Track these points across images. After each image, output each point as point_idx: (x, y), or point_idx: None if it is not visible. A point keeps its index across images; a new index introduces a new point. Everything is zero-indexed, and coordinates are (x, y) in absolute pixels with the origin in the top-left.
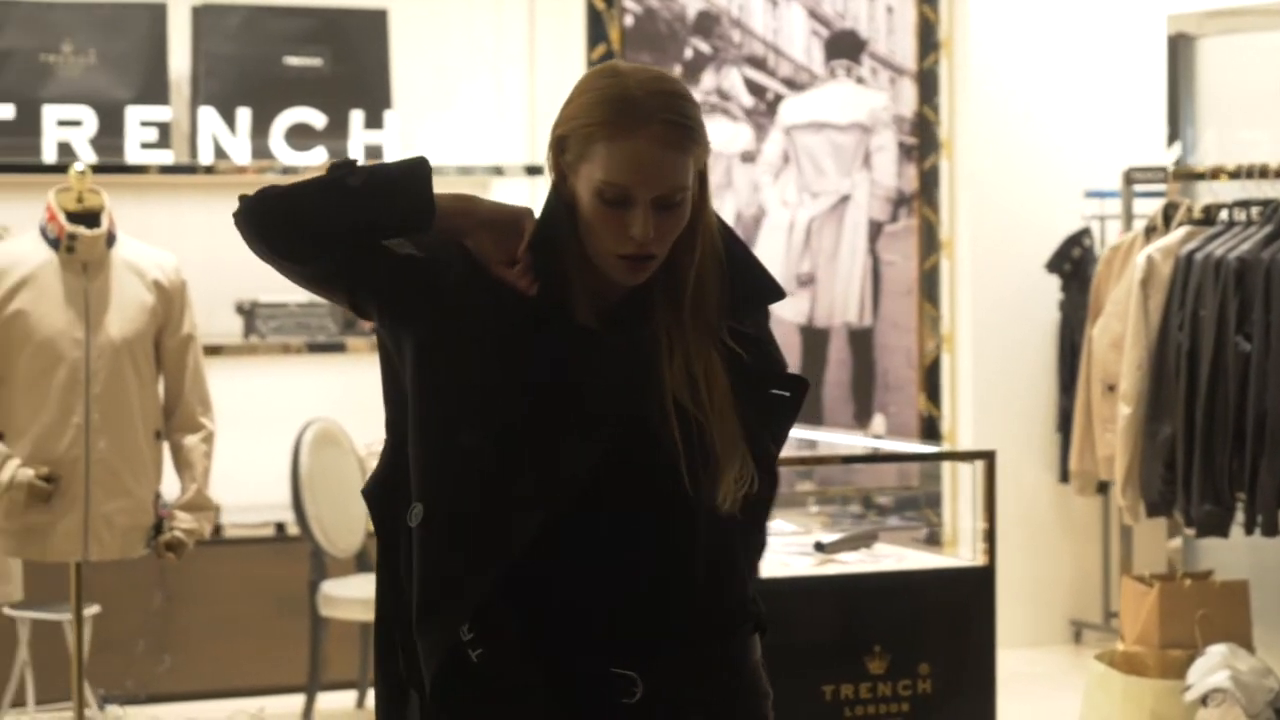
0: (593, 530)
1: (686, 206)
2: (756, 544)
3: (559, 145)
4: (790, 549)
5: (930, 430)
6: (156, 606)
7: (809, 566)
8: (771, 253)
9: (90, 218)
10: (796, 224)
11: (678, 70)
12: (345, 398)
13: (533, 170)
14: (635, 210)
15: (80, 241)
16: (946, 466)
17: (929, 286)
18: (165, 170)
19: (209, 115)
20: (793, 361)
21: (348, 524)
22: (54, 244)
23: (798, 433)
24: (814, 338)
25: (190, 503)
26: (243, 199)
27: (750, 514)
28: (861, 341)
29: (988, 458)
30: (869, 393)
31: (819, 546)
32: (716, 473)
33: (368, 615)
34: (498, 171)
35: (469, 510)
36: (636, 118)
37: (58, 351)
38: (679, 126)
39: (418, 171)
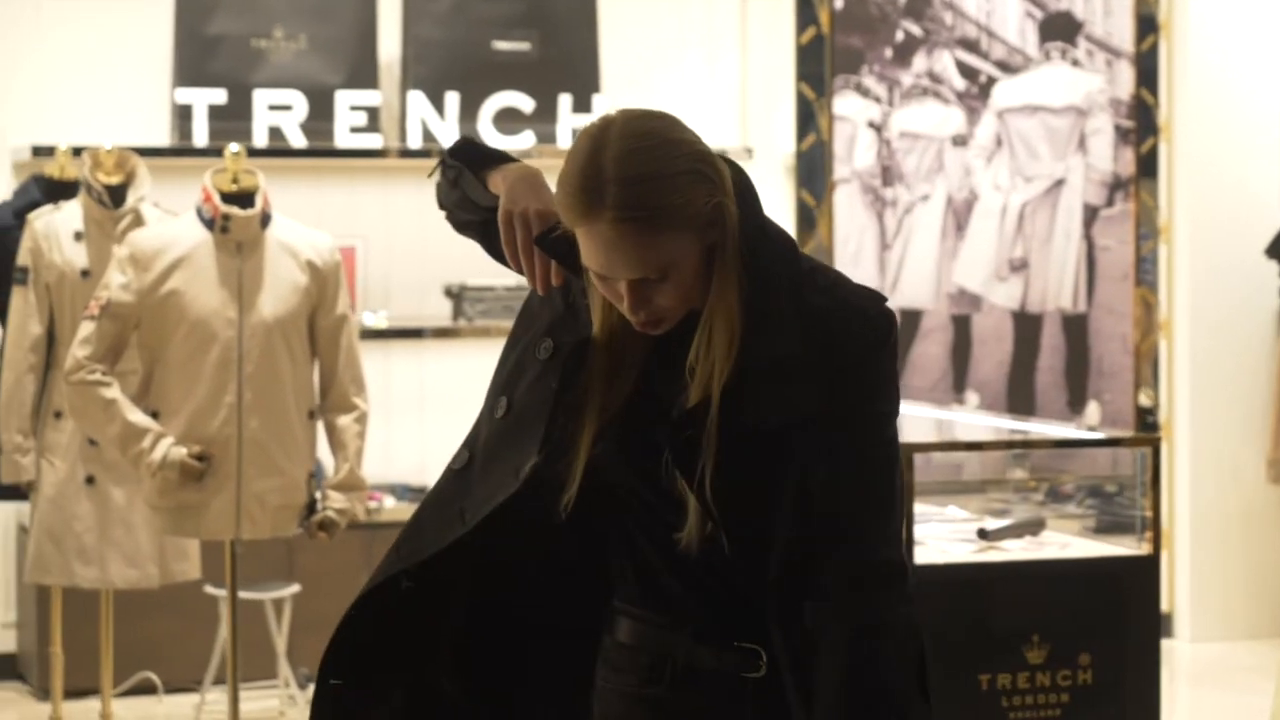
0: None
1: (682, 271)
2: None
3: None
4: (954, 535)
5: (1146, 419)
6: (361, 586)
7: (969, 553)
8: (983, 238)
9: (245, 199)
10: (1009, 208)
11: (888, 54)
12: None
13: (741, 154)
14: (621, 286)
15: (234, 222)
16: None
17: (1146, 272)
18: (374, 154)
19: (418, 99)
20: (1003, 349)
21: None
22: (209, 224)
23: (996, 421)
24: (1026, 324)
25: (343, 483)
26: None
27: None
28: (1075, 328)
29: (1153, 445)
30: (1083, 380)
31: (982, 533)
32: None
33: None
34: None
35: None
36: (588, 209)
37: (211, 331)
38: (634, 219)
39: (480, 157)
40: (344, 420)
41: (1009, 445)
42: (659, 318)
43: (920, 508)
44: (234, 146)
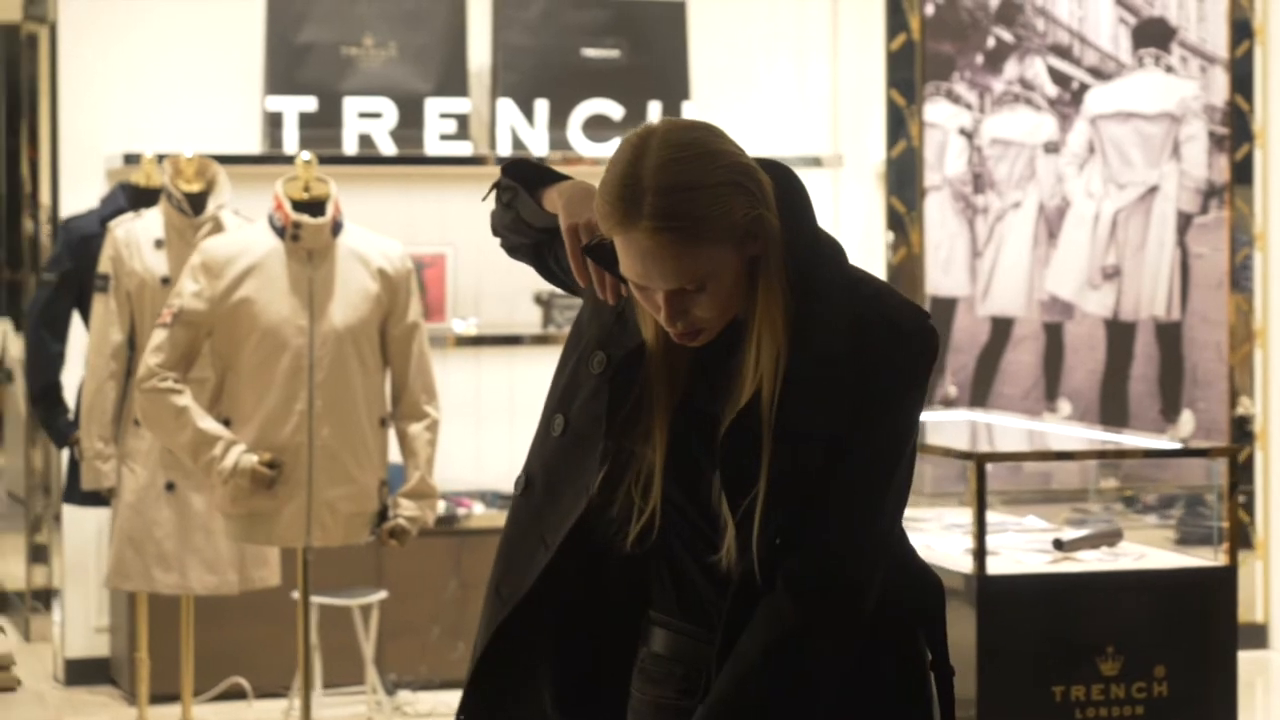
0: None
1: (720, 283)
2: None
3: None
4: (1031, 546)
5: (1241, 429)
6: (450, 593)
7: (1042, 564)
8: (1075, 245)
9: (317, 207)
10: (1102, 216)
11: (979, 60)
12: None
13: (832, 162)
14: (659, 297)
15: (305, 230)
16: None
17: (1241, 279)
18: (463, 161)
19: (507, 107)
20: (1096, 358)
21: None
22: (280, 232)
23: (1078, 430)
24: (1120, 332)
25: (414, 490)
26: None
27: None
28: (1169, 336)
29: (1230, 455)
30: (1177, 389)
31: (1058, 544)
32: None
33: None
34: (800, 162)
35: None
36: (625, 217)
37: (281, 339)
38: (670, 229)
39: (536, 176)
40: (415, 428)
41: (1084, 455)
42: (697, 329)
43: (999, 517)
44: (305, 155)
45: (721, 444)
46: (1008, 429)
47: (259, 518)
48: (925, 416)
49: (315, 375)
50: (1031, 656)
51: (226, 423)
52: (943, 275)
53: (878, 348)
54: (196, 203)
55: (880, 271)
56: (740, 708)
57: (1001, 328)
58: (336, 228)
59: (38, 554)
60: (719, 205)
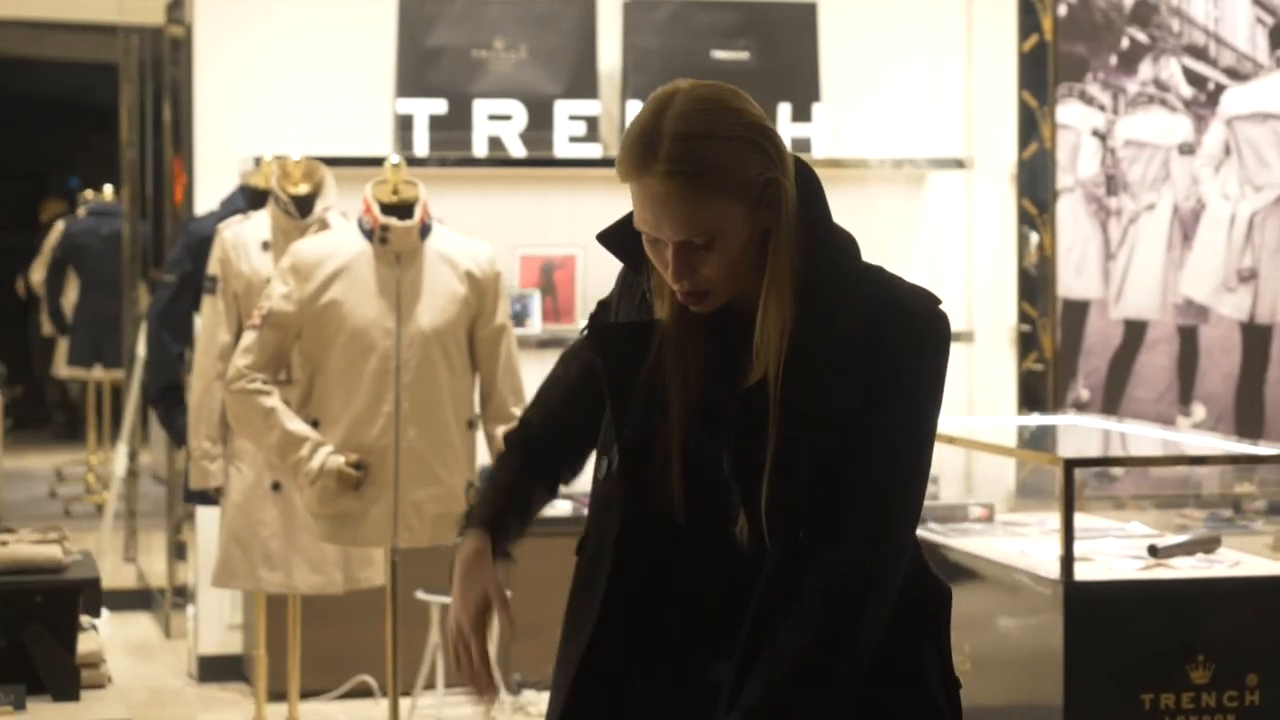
0: None
1: (729, 242)
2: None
3: None
4: (1127, 552)
5: None
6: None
7: (1134, 570)
8: (1211, 248)
9: (405, 210)
10: (1238, 218)
11: (1112, 61)
12: None
13: (964, 164)
14: (669, 253)
15: (392, 233)
16: None
17: None
18: (593, 164)
19: (637, 109)
20: (1231, 361)
21: None
22: (368, 235)
23: (1193, 438)
24: (1255, 335)
25: None
26: None
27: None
28: None
29: None
30: None
31: (1153, 550)
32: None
33: None
34: (933, 164)
35: None
36: (641, 162)
37: (369, 341)
38: (684, 174)
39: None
40: (502, 430)
41: (1169, 461)
42: (703, 290)
43: (1103, 523)
44: (394, 158)
45: (731, 425)
46: (1114, 434)
47: (346, 518)
48: (1051, 420)
49: (402, 377)
50: (1120, 664)
51: (315, 424)
52: (1075, 278)
53: (890, 331)
54: (304, 205)
55: (1012, 274)
56: (774, 712)
57: (1135, 331)
58: (425, 230)
59: (180, 551)
60: (734, 158)
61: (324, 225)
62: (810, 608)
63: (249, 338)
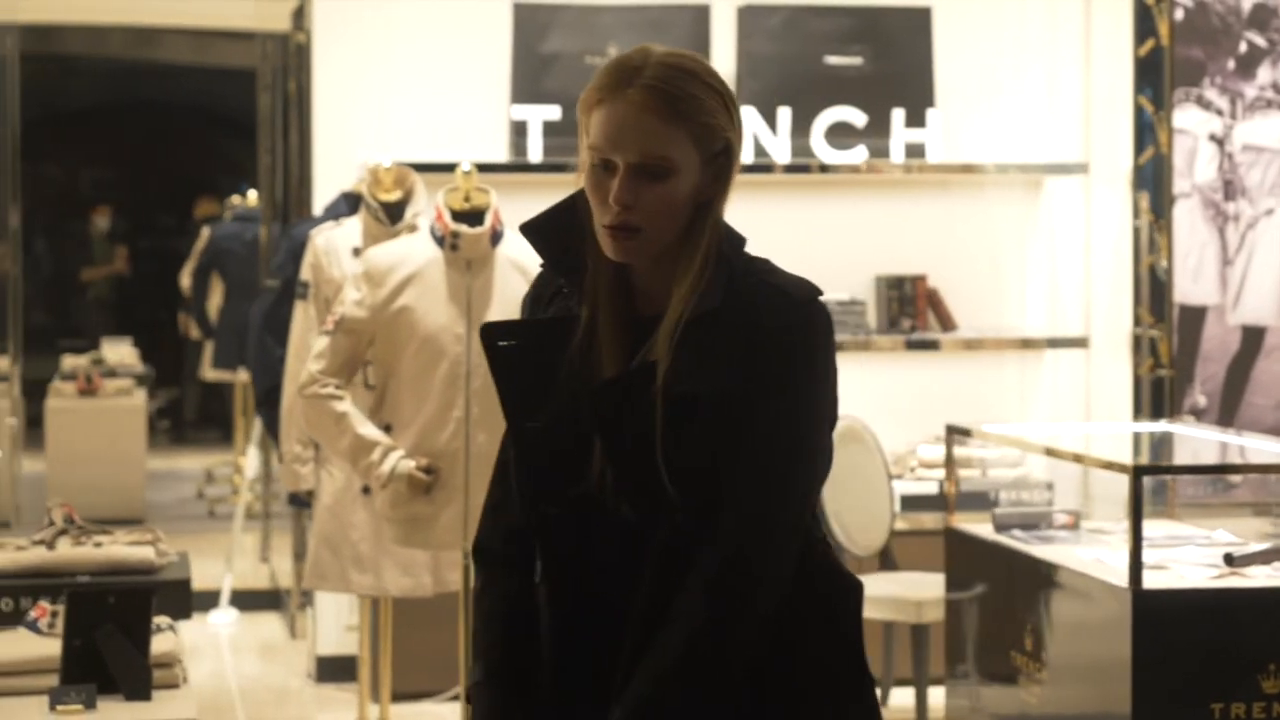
0: None
1: (677, 183)
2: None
3: (581, 125)
4: (1204, 560)
5: None
6: None
7: (1206, 579)
8: None
9: (477, 217)
10: None
11: (1230, 65)
12: (876, 395)
13: (1081, 169)
14: (614, 181)
15: (463, 239)
16: None
17: None
18: None
19: (750, 115)
20: None
21: (871, 521)
22: (440, 242)
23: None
24: None
25: None
26: None
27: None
28: None
29: None
30: None
31: (1228, 559)
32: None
33: (891, 614)
34: (1049, 169)
35: None
36: (623, 82)
37: (440, 346)
38: (662, 93)
39: None
40: None
41: (1241, 469)
42: (635, 225)
43: (1185, 530)
44: (465, 165)
45: (615, 407)
46: (1204, 441)
47: (418, 522)
48: (1154, 426)
49: (472, 382)
50: (1190, 672)
51: (388, 428)
52: (1192, 284)
53: (771, 317)
54: (394, 211)
55: (1128, 279)
56: (659, 705)
57: (1253, 337)
58: (496, 237)
59: (303, 552)
60: (707, 102)
61: (413, 231)
62: (693, 600)
63: (321, 343)
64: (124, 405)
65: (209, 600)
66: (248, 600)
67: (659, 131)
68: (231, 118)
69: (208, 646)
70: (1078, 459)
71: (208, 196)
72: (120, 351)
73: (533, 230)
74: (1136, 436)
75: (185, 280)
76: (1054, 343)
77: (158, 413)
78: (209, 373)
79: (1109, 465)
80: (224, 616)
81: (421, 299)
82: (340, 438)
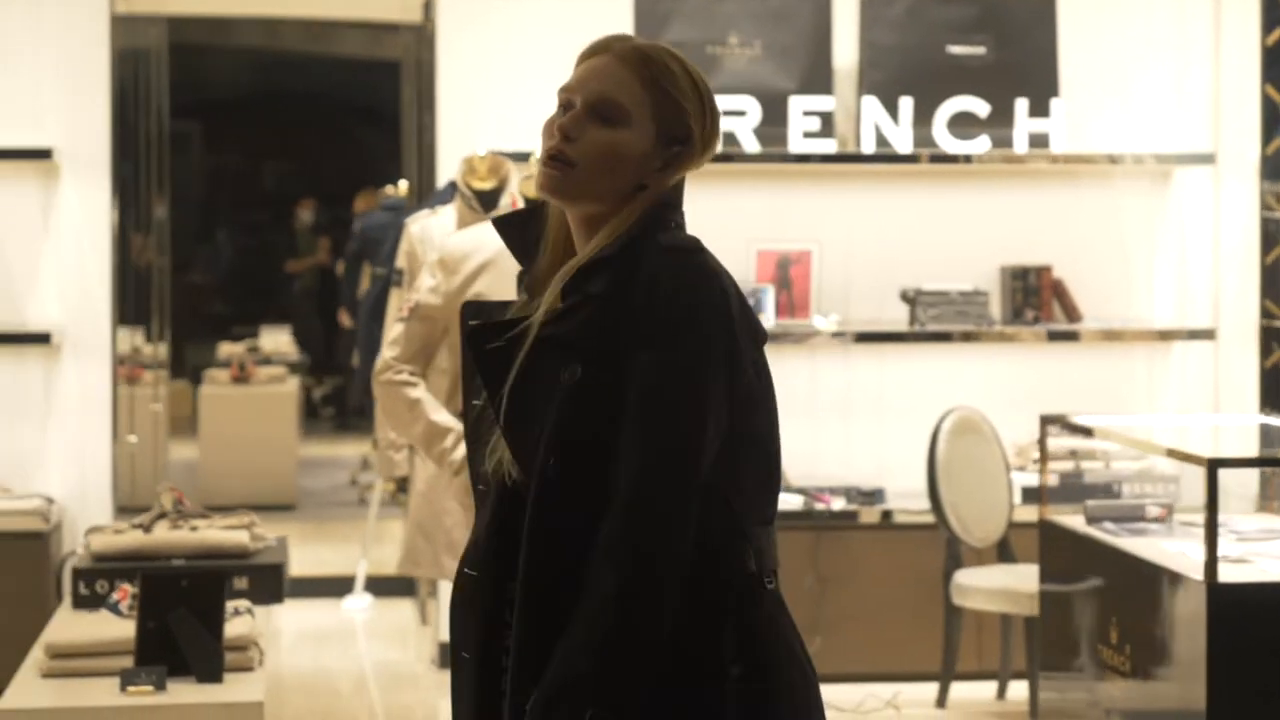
0: None
1: (625, 137)
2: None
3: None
4: None
5: None
6: (807, 587)
7: None
8: None
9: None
10: None
11: None
12: (999, 386)
13: (1209, 159)
14: (565, 118)
15: None
16: None
17: None
18: (827, 159)
19: (871, 104)
20: None
21: (988, 513)
22: None
23: None
24: None
25: None
26: None
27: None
28: None
29: None
30: None
31: None
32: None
33: (1006, 606)
34: (1178, 159)
35: None
36: (599, 49)
37: None
38: (642, 54)
39: None
40: None
41: None
42: (570, 158)
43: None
44: (537, 153)
45: (482, 342)
46: None
47: None
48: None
49: None
50: (1266, 667)
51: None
52: None
53: (651, 274)
54: (488, 200)
55: (1255, 270)
56: (573, 683)
57: None
58: None
59: None
60: (679, 86)
61: None
62: (597, 574)
63: (397, 330)
64: (276, 392)
65: (345, 586)
66: (383, 586)
67: (624, 80)
68: (379, 109)
69: (342, 632)
70: (1157, 450)
71: (366, 189)
72: (277, 339)
73: (503, 224)
74: (1237, 428)
75: (339, 270)
76: (1182, 334)
77: (322, 400)
78: (355, 360)
79: (1186, 457)
80: (358, 602)
81: (494, 286)
82: (414, 424)
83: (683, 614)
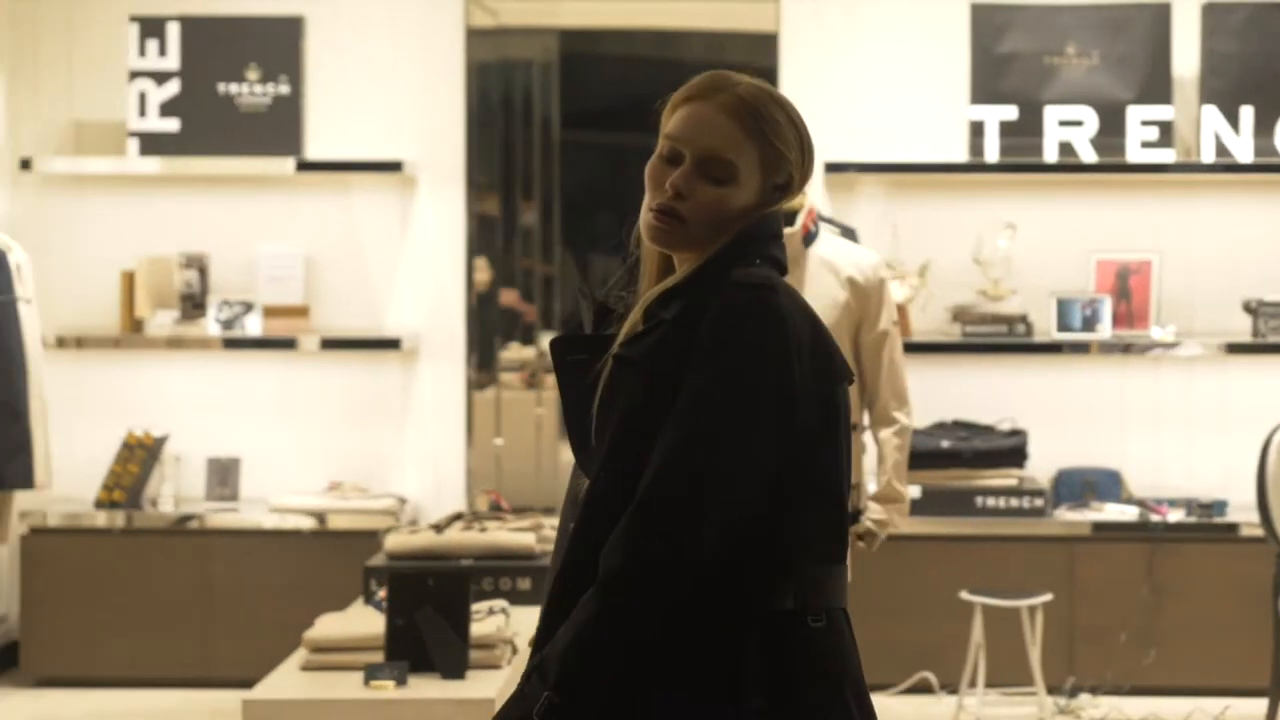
0: None
1: (734, 194)
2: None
3: (662, 123)
4: None
5: None
6: (1141, 598)
7: None
8: None
9: (788, 217)
10: None
11: None
12: None
13: None
14: (676, 173)
15: None
16: None
17: None
18: (1165, 169)
19: (1211, 114)
20: None
21: None
22: None
23: None
24: None
25: (882, 495)
26: None
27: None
28: None
29: None
30: None
31: None
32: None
33: None
34: None
35: None
36: (716, 88)
37: None
38: (749, 106)
39: None
40: (885, 434)
41: None
42: (681, 214)
43: None
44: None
45: (565, 355)
46: None
47: None
48: None
49: None
50: None
51: None
52: None
53: (709, 320)
54: (787, 218)
55: None
56: (548, 659)
57: None
58: (809, 238)
59: None
60: (784, 136)
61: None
62: (608, 558)
63: None
64: None
65: None
66: None
67: (734, 137)
68: None
69: None
70: None
71: None
72: None
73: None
74: None
75: None
76: None
77: None
78: None
79: None
80: None
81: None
82: None
83: (699, 638)
